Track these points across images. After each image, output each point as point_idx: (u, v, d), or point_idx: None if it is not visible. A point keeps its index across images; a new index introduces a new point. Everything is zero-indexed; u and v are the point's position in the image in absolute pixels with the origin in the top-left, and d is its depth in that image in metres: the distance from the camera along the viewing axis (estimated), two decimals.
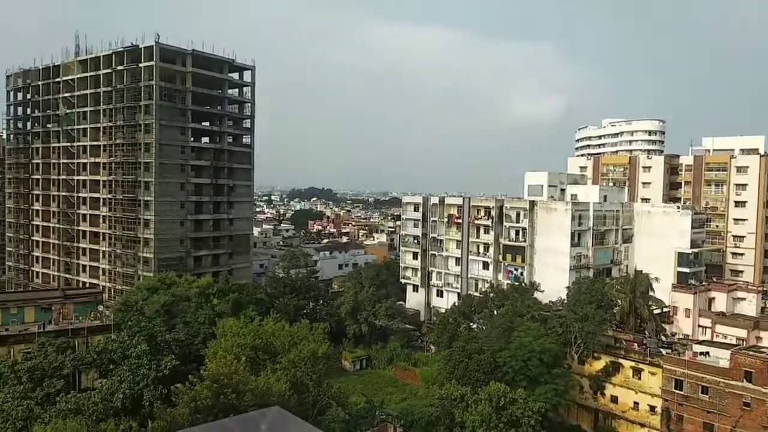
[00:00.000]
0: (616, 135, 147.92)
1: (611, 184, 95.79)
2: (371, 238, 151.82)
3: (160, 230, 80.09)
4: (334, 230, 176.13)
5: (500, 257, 78.21)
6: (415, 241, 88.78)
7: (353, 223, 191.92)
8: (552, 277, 70.51)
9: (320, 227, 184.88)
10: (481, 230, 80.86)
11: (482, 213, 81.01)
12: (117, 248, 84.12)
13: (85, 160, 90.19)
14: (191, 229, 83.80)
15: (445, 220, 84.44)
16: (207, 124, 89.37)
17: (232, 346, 42.71)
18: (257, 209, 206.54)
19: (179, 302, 59.68)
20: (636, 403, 54.36)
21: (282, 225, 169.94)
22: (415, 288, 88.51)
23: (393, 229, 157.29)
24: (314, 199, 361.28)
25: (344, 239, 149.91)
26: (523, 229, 75.68)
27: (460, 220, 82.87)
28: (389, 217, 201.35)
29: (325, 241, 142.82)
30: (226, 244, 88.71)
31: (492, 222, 79.08)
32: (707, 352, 50.91)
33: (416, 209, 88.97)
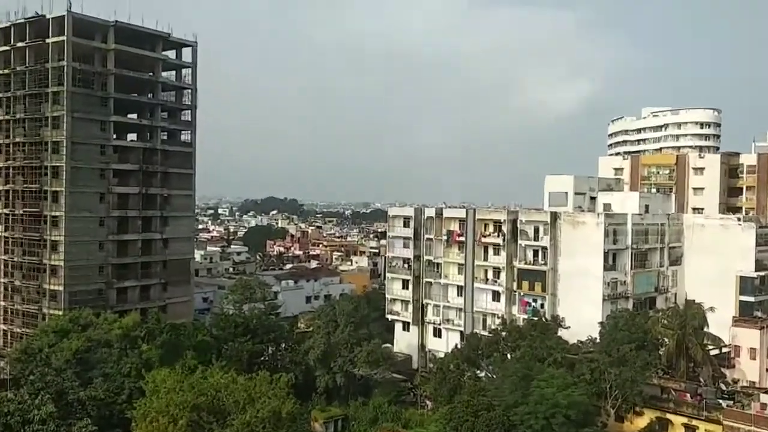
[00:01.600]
0: (659, 128, 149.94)
1: (654, 190, 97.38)
2: (348, 263, 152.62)
3: (73, 255, 79.22)
4: (300, 253, 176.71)
5: (514, 285, 78.50)
6: (406, 265, 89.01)
7: (325, 243, 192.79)
8: (580, 309, 70.83)
9: (282, 249, 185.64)
10: (490, 251, 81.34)
11: (491, 228, 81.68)
12: (15, 279, 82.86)
13: None
14: (113, 253, 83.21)
15: (444, 237, 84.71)
16: (135, 116, 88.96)
17: (168, 405, 42.50)
18: (200, 226, 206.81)
19: (97, 349, 58.76)
20: None
21: (232, 246, 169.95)
22: (406, 326, 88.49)
23: (376, 251, 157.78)
24: (274, 212, 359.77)
25: (313, 264, 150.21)
26: (544, 248, 76.25)
27: (462, 238, 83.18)
28: (371, 235, 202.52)
29: (289, 266, 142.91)
30: (160, 272, 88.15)
31: (504, 240, 79.60)
32: None
33: (406, 224, 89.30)
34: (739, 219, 78.81)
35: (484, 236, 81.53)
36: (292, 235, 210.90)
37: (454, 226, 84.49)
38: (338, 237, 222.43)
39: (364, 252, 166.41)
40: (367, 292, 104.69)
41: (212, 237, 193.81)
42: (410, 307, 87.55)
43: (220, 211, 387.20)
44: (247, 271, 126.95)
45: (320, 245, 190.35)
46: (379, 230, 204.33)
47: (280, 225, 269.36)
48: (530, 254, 77.73)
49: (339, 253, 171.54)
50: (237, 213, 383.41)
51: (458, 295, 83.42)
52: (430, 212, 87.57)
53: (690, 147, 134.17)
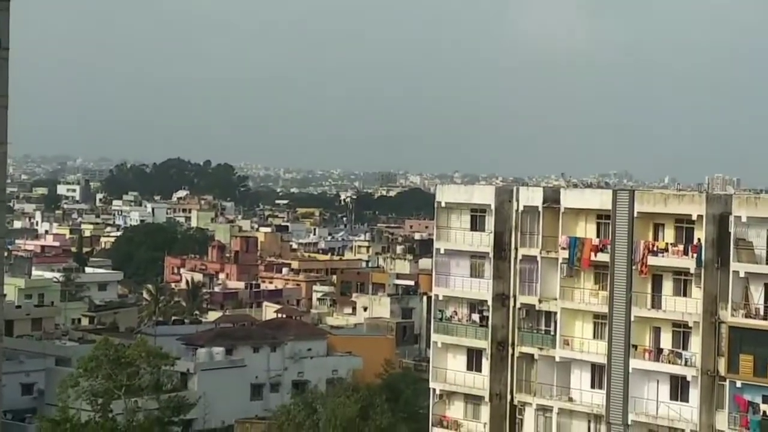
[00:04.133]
0: None
1: None
2: (348, 310, 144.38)
3: None
4: (241, 286, 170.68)
5: (721, 364, 70.86)
6: (476, 316, 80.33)
7: (295, 266, 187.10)
8: None
9: (199, 276, 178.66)
10: (667, 285, 74.27)
11: (669, 234, 74.89)
12: None
13: None
14: None
15: (564, 255, 75.79)
16: None
17: None
18: (18, 225, 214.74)
19: None
20: None
21: (89, 270, 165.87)
22: None
23: (410, 283, 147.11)
24: (181, 194, 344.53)
25: (269, 312, 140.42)
26: None
27: (606, 257, 74.88)
28: (399, 249, 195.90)
29: (215, 317, 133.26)
30: None
31: (698, 260, 71.40)
32: None
33: (477, 224, 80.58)
34: None
35: (654, 252, 73.48)
36: (223, 247, 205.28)
37: (587, 229, 76.29)
38: (325, 251, 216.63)
39: (383, 286, 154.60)
40: (391, 376, 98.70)
41: (44, 248, 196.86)
42: (485, 411, 78.80)
43: (62, 190, 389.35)
44: (122, 327, 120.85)
45: (286, 269, 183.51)
46: (416, 236, 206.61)
47: (194, 223, 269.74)
48: (759, 294, 68.77)
49: (326, 289, 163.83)
50: (100, 194, 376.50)
51: (594, 386, 74.76)
52: (530, 196, 77.58)
53: None
